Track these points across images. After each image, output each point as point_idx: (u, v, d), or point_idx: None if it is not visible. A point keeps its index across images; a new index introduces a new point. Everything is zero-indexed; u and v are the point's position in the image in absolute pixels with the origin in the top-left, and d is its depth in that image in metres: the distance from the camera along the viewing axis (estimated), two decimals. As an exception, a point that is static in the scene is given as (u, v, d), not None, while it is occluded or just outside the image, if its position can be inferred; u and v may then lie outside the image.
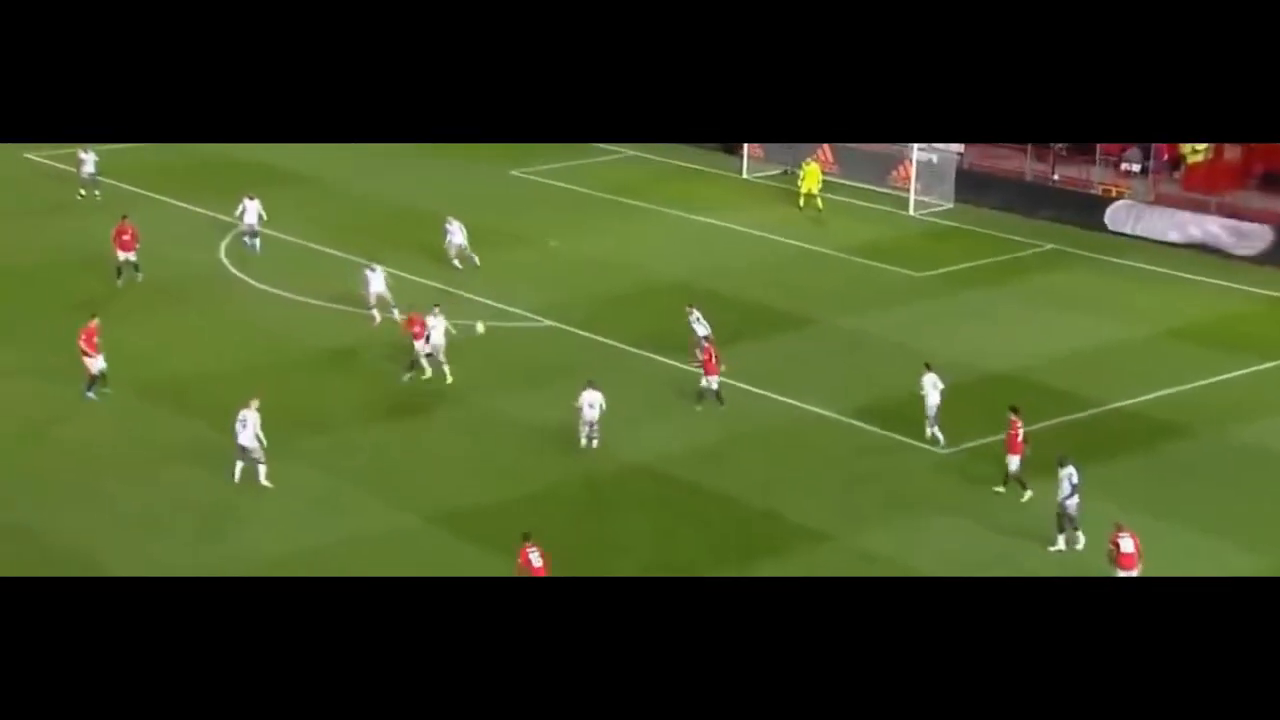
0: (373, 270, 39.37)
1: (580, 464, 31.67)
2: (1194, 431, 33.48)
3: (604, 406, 31.87)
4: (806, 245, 45.87)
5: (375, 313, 38.89)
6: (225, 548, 28.38)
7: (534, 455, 32.13)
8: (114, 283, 40.79)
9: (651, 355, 37.24)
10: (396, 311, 38.24)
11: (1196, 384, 35.96)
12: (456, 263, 42.66)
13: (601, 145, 53.70)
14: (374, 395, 35.09)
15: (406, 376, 35.32)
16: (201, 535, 28.91)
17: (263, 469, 30.33)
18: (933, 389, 32.34)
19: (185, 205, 48.58)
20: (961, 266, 44.17)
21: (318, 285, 41.13)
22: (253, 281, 42.18)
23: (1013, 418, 30.28)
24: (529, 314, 40.17)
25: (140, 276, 41.04)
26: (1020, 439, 30.09)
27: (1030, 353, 37.68)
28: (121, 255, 40.99)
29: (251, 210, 43.73)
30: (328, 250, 44.28)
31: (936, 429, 32.41)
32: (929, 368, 32.80)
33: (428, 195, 49.27)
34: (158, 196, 49.37)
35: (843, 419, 33.85)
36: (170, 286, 41.53)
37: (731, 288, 41.88)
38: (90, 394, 34.16)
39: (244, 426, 30.17)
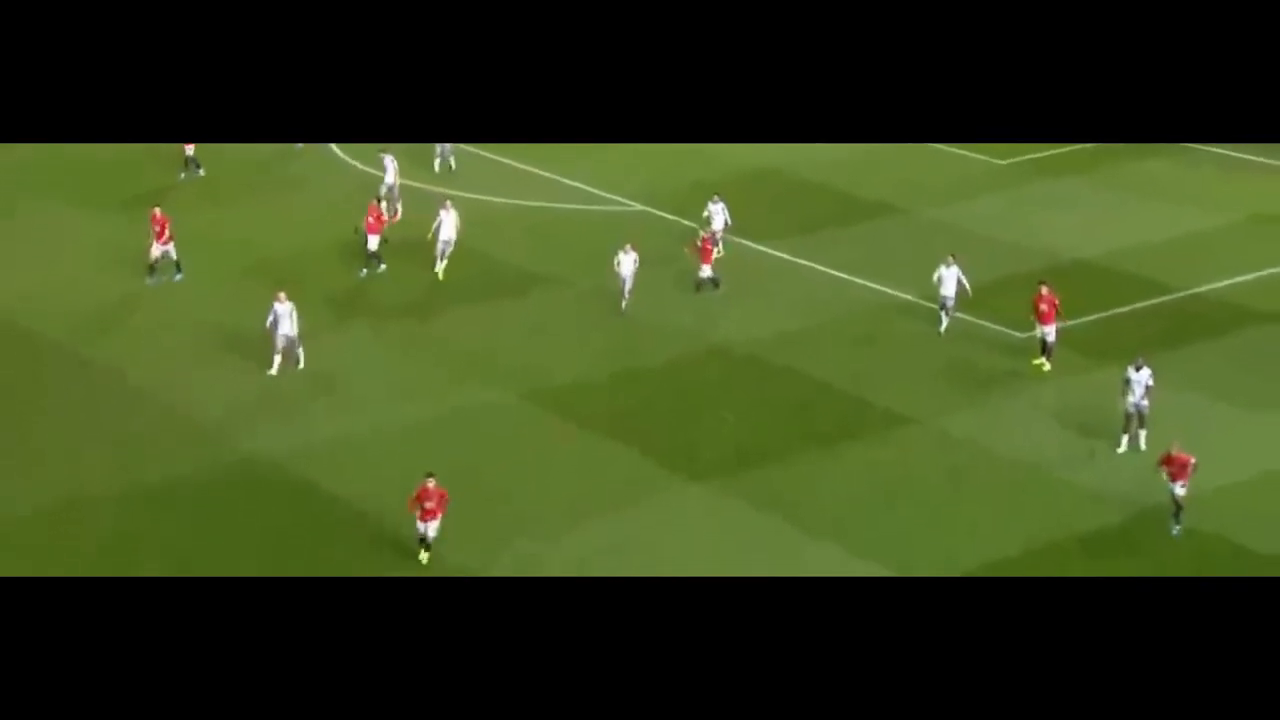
0: (388, 157, 39.70)
1: (670, 345, 32.81)
2: (1271, 316, 34.06)
3: (637, 264, 33.29)
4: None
5: (395, 205, 39.18)
6: (317, 422, 29.70)
7: (624, 337, 33.32)
8: (178, 176, 41.88)
9: (741, 240, 38.24)
10: (399, 205, 38.93)
11: (1275, 270, 36.48)
12: (437, 164, 42.52)
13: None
14: (466, 276, 36.28)
15: (364, 272, 35.93)
16: (290, 413, 30.12)
17: (301, 352, 31.42)
18: (950, 280, 33.10)
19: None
20: (1046, 154, 44.56)
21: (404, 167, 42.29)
22: (350, 160, 43.55)
23: (1044, 290, 31.25)
24: (622, 199, 41.24)
25: (202, 172, 42.17)
26: (1051, 310, 31.02)
27: (1114, 240, 38.27)
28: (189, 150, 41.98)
29: None
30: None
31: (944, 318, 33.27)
32: (954, 259, 33.45)
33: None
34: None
35: (927, 305, 34.75)
36: (254, 170, 43.00)
37: (819, 176, 42.64)
38: (150, 280, 35.44)
39: (281, 319, 30.90)
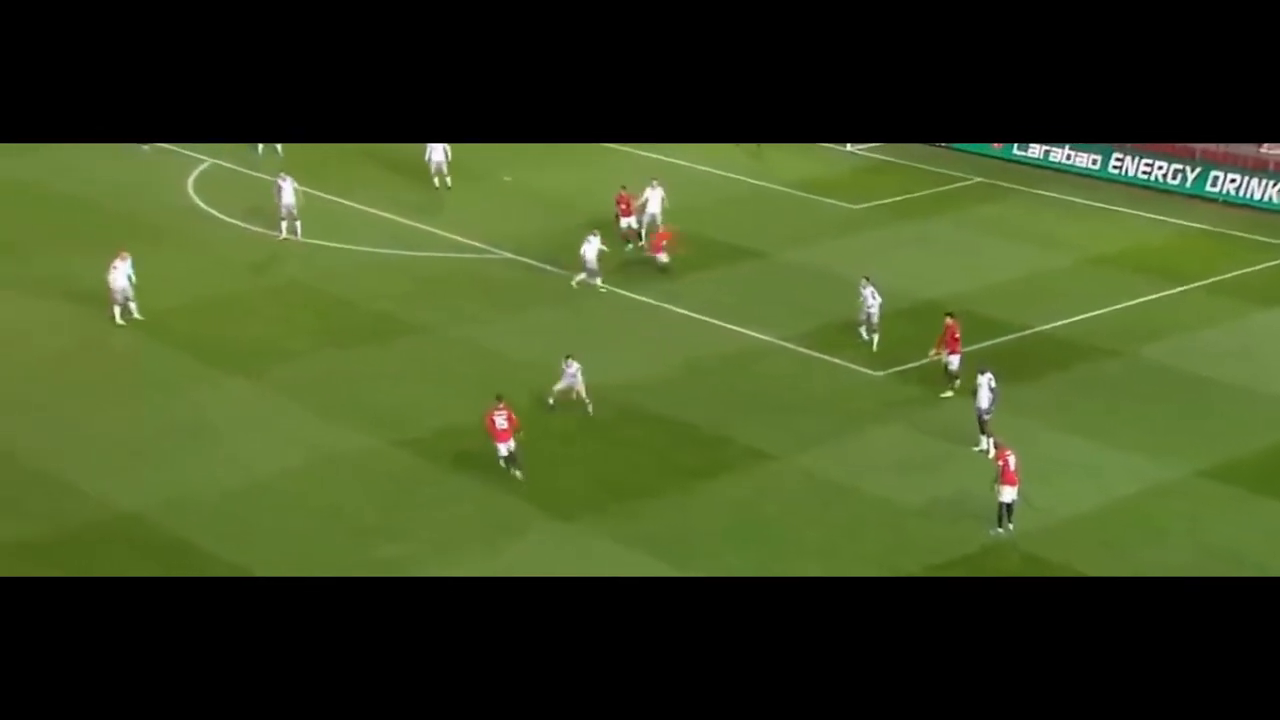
0: (284, 180, 41.77)
1: (534, 387, 33.52)
2: (1109, 352, 35.82)
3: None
4: (749, 180, 47.86)
5: (284, 225, 41.72)
6: (205, 470, 30.15)
7: (491, 380, 33.56)
8: None
9: (612, 288, 39.29)
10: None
11: (1113, 308, 38.33)
12: (437, 181, 45.57)
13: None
14: (336, 323, 36.99)
15: (629, 247, 41.10)
16: (181, 458, 30.61)
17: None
18: (872, 299, 35.40)
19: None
20: (896, 199, 46.32)
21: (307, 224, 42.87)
22: (224, 217, 43.88)
23: (949, 321, 33.27)
24: (488, 246, 42.08)
25: None
26: (958, 339, 33.07)
27: (961, 280, 39.92)
28: None
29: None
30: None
31: (875, 336, 35.44)
32: (868, 280, 35.66)
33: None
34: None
35: (788, 345, 36.00)
36: (144, 224, 43.15)
37: (685, 223, 43.82)
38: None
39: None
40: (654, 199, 41.65)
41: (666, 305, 38.29)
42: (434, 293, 38.98)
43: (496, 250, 41.86)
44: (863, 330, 35.81)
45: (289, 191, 41.74)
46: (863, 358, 35.07)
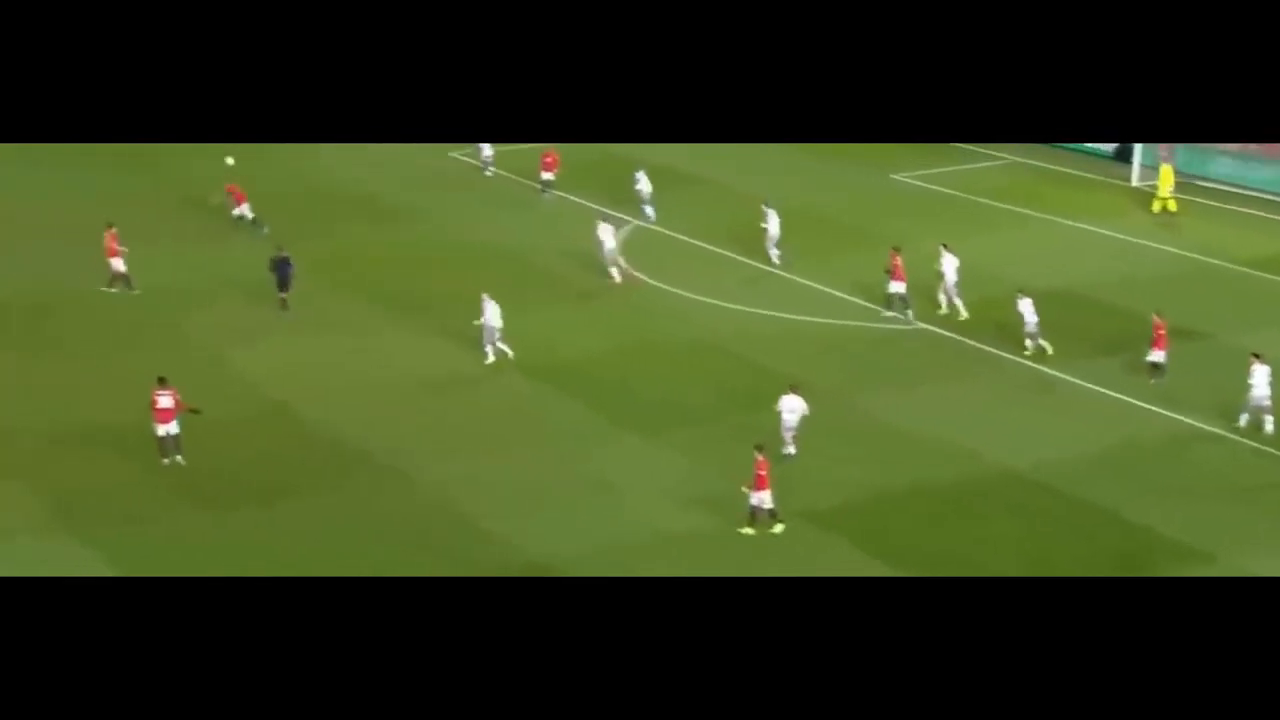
0: (603, 227, 42.41)
1: (951, 467, 31.51)
2: None
3: (806, 412, 31.52)
4: (1189, 255, 44.30)
5: (614, 271, 42.11)
6: (606, 524, 29.59)
7: (902, 456, 32.16)
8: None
9: (1023, 360, 36.81)
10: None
11: None
12: (773, 253, 43.67)
13: (982, 150, 54.03)
14: (734, 385, 35.87)
15: (887, 313, 39.56)
16: (583, 510, 30.17)
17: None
18: (1262, 379, 32.36)
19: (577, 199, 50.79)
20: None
21: (690, 278, 42.43)
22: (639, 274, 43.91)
23: (1156, 319, 34.01)
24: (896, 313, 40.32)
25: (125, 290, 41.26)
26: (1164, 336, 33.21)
27: None
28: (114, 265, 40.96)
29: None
30: (706, 246, 45.54)
31: (1266, 419, 32.21)
32: (1258, 358, 32.72)
33: (810, 194, 50.12)
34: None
35: (1229, 436, 32.62)
36: (563, 278, 43.67)
37: (1109, 296, 40.82)
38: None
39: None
40: (948, 267, 39.25)
41: (1090, 385, 35.41)
42: (837, 360, 37.42)
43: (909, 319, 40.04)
44: (1244, 415, 32.16)
45: (609, 235, 42.47)
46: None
